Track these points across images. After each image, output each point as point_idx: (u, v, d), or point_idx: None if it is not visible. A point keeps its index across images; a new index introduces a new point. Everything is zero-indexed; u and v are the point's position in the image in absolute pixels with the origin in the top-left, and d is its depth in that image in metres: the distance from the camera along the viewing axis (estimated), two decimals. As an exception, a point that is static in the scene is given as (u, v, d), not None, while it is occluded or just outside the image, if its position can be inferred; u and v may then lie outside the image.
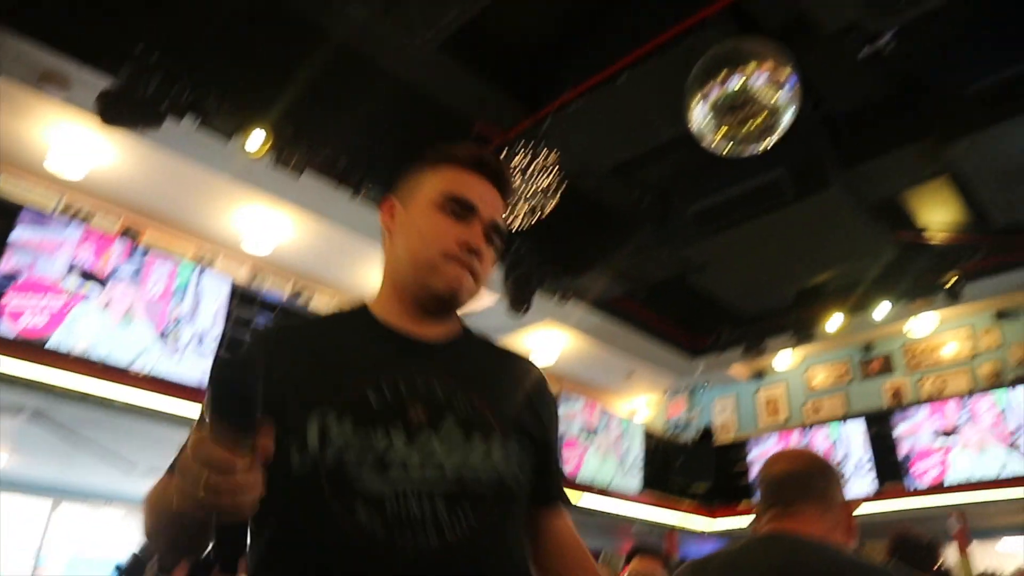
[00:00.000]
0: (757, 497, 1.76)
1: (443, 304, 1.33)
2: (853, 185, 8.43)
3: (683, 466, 10.96)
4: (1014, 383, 8.78)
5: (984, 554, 9.15)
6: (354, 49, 6.56)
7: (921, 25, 6.99)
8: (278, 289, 9.46)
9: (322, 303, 9.81)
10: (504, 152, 6.91)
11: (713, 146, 5.57)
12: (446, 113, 7.34)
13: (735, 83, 5.15)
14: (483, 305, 9.87)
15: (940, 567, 2.36)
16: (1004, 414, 8.35)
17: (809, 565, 1.45)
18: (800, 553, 1.50)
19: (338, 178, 7.61)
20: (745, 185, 8.32)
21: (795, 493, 1.64)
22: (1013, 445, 8.15)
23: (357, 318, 1.36)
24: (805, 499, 1.62)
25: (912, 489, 8.72)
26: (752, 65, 5.13)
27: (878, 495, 8.98)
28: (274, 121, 6.89)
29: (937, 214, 9.22)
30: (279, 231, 8.98)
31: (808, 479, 1.67)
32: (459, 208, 1.32)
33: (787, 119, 5.35)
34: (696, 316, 11.51)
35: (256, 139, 6.80)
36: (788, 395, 12.37)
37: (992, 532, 9.45)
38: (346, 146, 7.59)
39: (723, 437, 12.46)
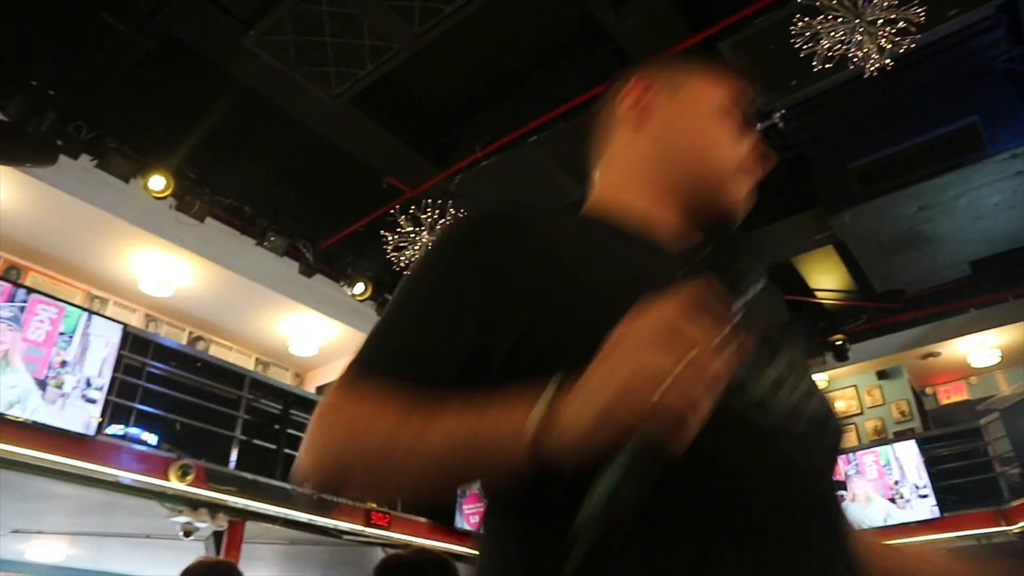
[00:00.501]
0: None
1: (721, 220, 1.14)
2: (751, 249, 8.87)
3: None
4: (895, 440, 9.27)
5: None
6: (264, 96, 6.50)
7: (808, 108, 7.55)
8: (174, 336, 9.10)
9: (220, 352, 9.49)
10: (412, 208, 6.94)
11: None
12: (356, 165, 7.34)
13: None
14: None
15: None
16: (887, 468, 8.80)
17: None
18: None
19: (241, 225, 7.46)
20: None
21: None
22: (894, 498, 8.58)
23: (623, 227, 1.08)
24: None
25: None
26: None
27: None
28: (176, 165, 6.72)
29: (824, 280, 9.78)
30: (177, 276, 8.69)
31: None
32: (746, 123, 1.20)
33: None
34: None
35: (157, 183, 6.61)
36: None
37: None
38: (251, 193, 7.46)
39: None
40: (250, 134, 6.91)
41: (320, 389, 9.95)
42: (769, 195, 8.71)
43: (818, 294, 10.04)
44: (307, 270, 7.91)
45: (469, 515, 8.32)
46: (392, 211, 7.12)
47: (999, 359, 10.47)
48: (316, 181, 7.70)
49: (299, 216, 7.75)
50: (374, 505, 7.24)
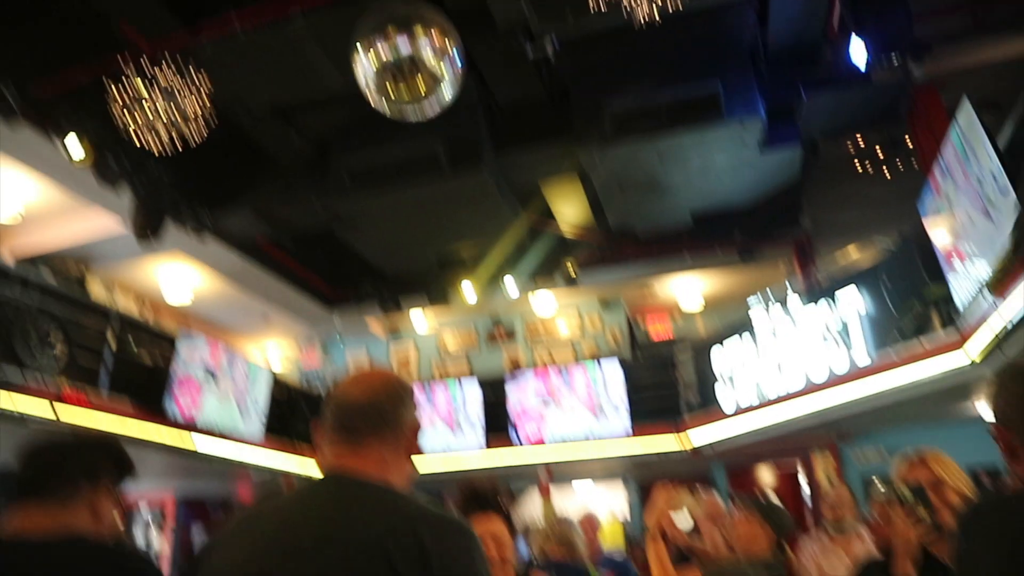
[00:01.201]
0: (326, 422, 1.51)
1: None
2: (502, 168, 9.06)
3: (311, 415, 10.95)
4: (601, 359, 10.19)
5: (566, 500, 10.60)
6: None
7: (579, 44, 7.74)
8: None
9: None
10: (149, 65, 6.09)
11: (376, 104, 5.53)
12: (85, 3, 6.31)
13: (402, 44, 5.14)
14: (110, 231, 8.78)
15: (506, 508, 2.53)
16: (594, 385, 9.69)
17: (361, 518, 1.32)
18: (358, 502, 1.37)
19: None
20: (405, 150, 8.51)
21: (366, 426, 1.46)
22: (595, 411, 9.51)
23: None
24: (376, 433, 1.46)
25: (519, 444, 9.72)
26: (420, 30, 5.16)
27: (485, 449, 9.86)
28: None
29: (566, 208, 10.32)
30: None
31: (381, 409, 1.49)
32: None
33: (450, 92, 5.50)
34: (339, 269, 11.52)
35: None
36: (419, 355, 13.03)
37: (580, 481, 10.98)
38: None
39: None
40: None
41: (26, 262, 8.64)
42: (529, 119, 8.96)
43: (559, 221, 10.58)
44: (9, 117, 6.70)
45: (180, 400, 7.88)
46: (124, 64, 6.18)
47: (702, 304, 11.86)
48: (28, 13, 6.50)
49: (4, 53, 6.50)
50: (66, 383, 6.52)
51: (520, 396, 9.94)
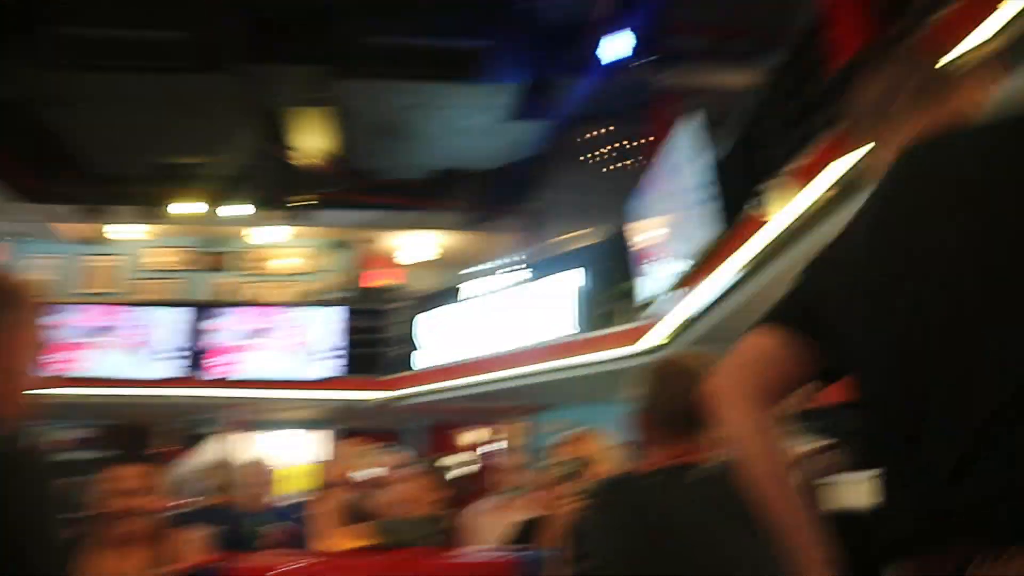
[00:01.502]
0: None
1: None
2: (247, 81, 8.31)
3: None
4: (316, 304, 9.85)
5: (263, 443, 10.05)
6: None
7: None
8: None
9: None
10: None
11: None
12: None
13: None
14: None
15: (151, 454, 2.28)
16: (302, 329, 9.30)
17: None
18: None
19: None
20: (138, 27, 7.46)
21: None
22: (301, 355, 9.14)
23: None
24: None
25: (214, 380, 9.04)
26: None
27: (176, 381, 9.05)
28: None
29: (308, 140, 9.78)
30: None
31: None
32: None
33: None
34: (37, 154, 9.93)
35: None
36: (118, 269, 11.65)
37: (272, 425, 10.49)
38: None
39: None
40: None
41: None
42: (285, 39, 8.30)
43: (299, 152, 10.02)
44: None
45: None
46: None
47: (429, 260, 11.88)
48: None
49: None
50: None
51: (224, 329, 9.28)
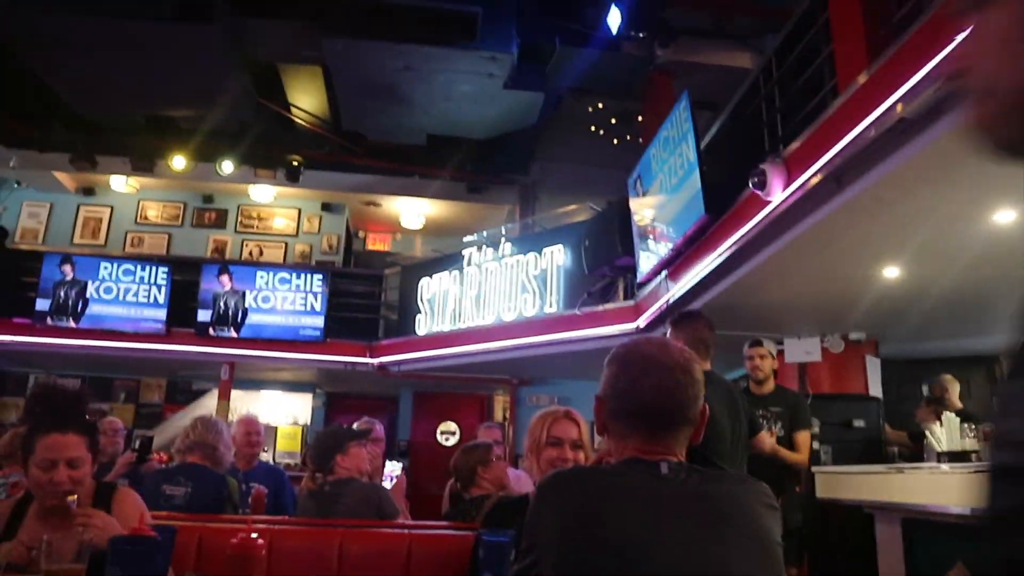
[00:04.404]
0: None
1: None
2: (237, 34, 8.14)
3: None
4: (312, 270, 9.76)
5: (251, 403, 10.02)
6: None
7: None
8: None
9: None
10: None
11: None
12: None
13: None
14: None
15: (86, 415, 2.19)
16: (297, 290, 9.24)
17: None
18: None
19: None
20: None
21: None
22: (295, 315, 9.10)
23: None
24: None
25: (204, 338, 8.98)
26: None
27: (165, 337, 9.00)
28: None
29: (303, 99, 9.64)
30: None
31: None
32: None
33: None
34: (22, 100, 9.75)
35: None
36: (113, 220, 11.56)
37: (260, 385, 10.48)
38: None
39: (22, 242, 11.00)
40: None
41: None
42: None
43: (293, 112, 9.88)
44: None
45: None
46: None
47: (422, 225, 11.81)
48: None
49: None
50: None
51: (217, 286, 9.22)
